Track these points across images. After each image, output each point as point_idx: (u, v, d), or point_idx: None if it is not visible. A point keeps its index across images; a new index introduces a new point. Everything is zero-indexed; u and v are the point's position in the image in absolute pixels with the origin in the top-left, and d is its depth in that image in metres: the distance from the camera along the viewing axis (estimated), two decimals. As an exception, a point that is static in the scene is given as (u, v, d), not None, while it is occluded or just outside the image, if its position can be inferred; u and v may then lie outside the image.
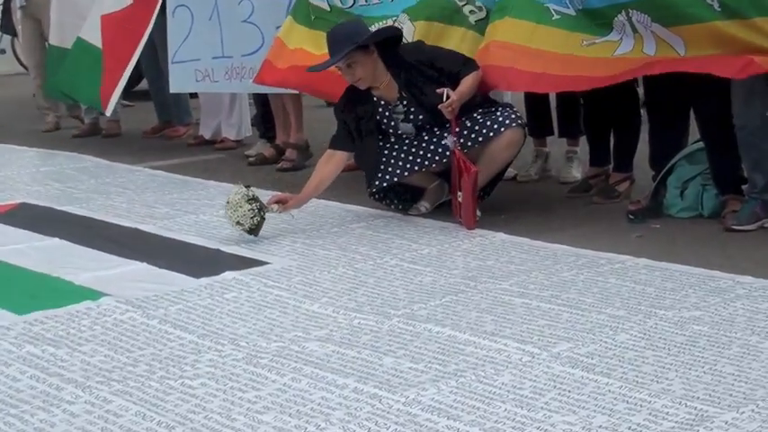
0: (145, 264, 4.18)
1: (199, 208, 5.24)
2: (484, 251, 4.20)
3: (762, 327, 3.14)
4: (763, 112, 4.27)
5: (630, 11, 4.36)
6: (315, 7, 5.58)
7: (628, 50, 4.41)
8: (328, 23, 5.36)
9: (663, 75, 4.34)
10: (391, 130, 4.77)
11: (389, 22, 5.16)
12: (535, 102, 5.55)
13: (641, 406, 2.60)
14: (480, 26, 5.00)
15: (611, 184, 5.12)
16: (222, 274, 3.97)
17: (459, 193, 4.52)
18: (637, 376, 2.79)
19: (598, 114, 5.19)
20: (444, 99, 4.49)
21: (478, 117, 4.67)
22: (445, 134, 4.62)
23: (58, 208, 5.34)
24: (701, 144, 4.70)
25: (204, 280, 3.92)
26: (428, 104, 4.62)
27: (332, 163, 4.75)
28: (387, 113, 4.75)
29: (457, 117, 4.58)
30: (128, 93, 8.24)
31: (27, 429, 2.63)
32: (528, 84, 4.83)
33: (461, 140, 4.61)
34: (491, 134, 4.63)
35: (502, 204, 4.98)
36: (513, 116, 4.66)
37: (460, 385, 2.78)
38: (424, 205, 4.88)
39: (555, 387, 2.74)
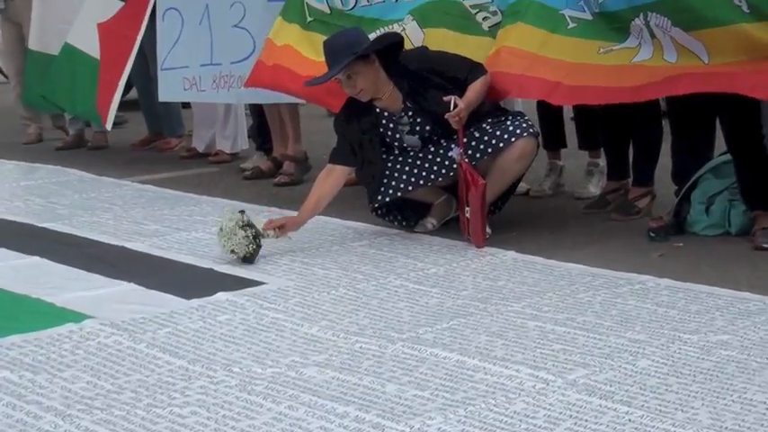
0: (132, 284, 4.17)
1: (191, 225, 5.22)
2: (494, 271, 4.17)
3: (794, 352, 3.11)
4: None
5: (649, 13, 4.34)
6: (313, 9, 5.58)
7: (647, 58, 4.39)
8: (328, 27, 5.36)
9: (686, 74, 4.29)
10: (396, 143, 4.75)
11: (395, 27, 5.15)
12: (548, 111, 5.53)
13: (664, 437, 2.56)
14: (495, 32, 4.99)
15: (630, 200, 5.10)
16: (215, 296, 3.95)
17: (467, 209, 4.50)
18: (659, 405, 2.76)
19: (616, 124, 5.17)
20: (451, 108, 4.47)
21: (487, 127, 4.65)
22: (452, 146, 4.60)
23: (39, 225, 5.33)
24: (727, 156, 4.67)
25: (195, 301, 3.90)
26: (434, 114, 4.60)
27: (331, 178, 4.73)
28: (391, 125, 4.73)
29: (464, 127, 4.55)
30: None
31: (3, 461, 2.60)
32: (542, 91, 4.80)
33: (469, 152, 4.58)
34: (501, 145, 4.61)
35: (513, 221, 4.96)
36: (525, 125, 4.64)
37: (469, 414, 2.75)
38: (430, 222, 4.86)
39: (571, 416, 2.71)
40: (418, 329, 3.46)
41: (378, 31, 5.13)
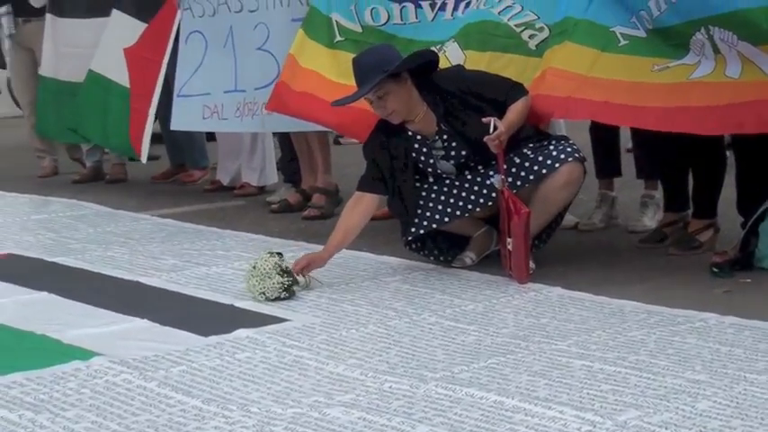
0: (145, 320, 4.14)
1: (211, 259, 5.19)
2: (538, 307, 4.11)
3: None
4: None
5: (711, 28, 4.27)
6: (344, 29, 5.58)
7: (707, 73, 4.33)
8: (358, 45, 5.35)
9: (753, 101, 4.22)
10: (429, 169, 4.70)
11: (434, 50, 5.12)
12: (602, 135, 5.46)
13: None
14: (542, 50, 4.95)
15: (690, 233, 5.01)
16: (234, 332, 3.91)
17: (509, 240, 4.43)
18: (720, 449, 2.68)
19: (674, 150, 5.08)
20: (491, 130, 4.41)
21: (528, 152, 4.58)
22: (491, 172, 4.54)
23: (49, 259, 5.33)
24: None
25: (213, 338, 3.86)
26: (471, 138, 4.55)
27: (360, 208, 4.69)
28: (424, 150, 4.68)
29: (504, 152, 4.49)
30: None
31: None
32: (589, 111, 4.75)
33: (509, 180, 4.52)
34: (544, 171, 4.54)
35: (559, 256, 4.90)
36: (570, 149, 4.57)
37: (508, 458, 2.68)
38: (469, 256, 4.79)
39: (621, 461, 2.63)
40: (453, 368, 3.40)
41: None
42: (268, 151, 7.28)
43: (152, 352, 3.71)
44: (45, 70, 7.88)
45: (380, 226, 5.67)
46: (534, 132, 4.69)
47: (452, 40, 5.21)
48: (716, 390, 3.09)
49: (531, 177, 4.56)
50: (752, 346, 3.50)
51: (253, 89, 6.27)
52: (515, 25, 5.07)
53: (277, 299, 4.36)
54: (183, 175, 7.86)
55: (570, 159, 4.55)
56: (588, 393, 3.11)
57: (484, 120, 4.45)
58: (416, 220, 4.66)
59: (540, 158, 4.56)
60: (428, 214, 4.65)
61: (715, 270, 4.50)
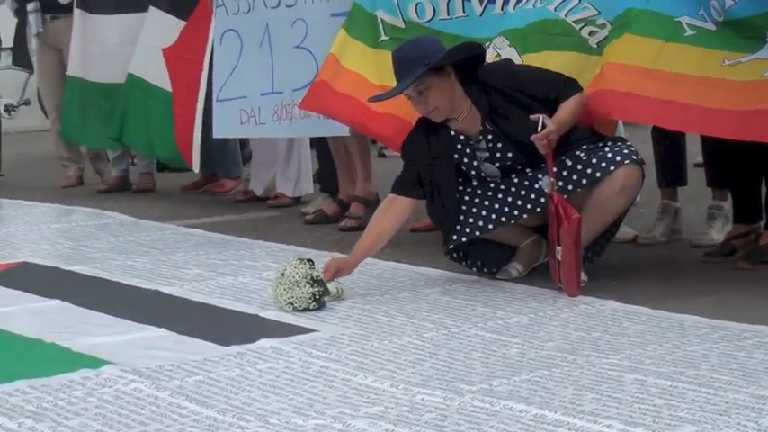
0: (163, 329, 4.11)
1: (238, 269, 5.16)
2: (588, 321, 4.03)
3: None
4: None
5: None
6: (389, 26, 5.53)
7: None
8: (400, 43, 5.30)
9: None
10: (473, 172, 4.63)
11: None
12: (664, 138, 5.36)
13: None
14: (603, 48, 4.88)
15: (762, 246, 4.91)
16: (257, 342, 3.86)
17: (558, 249, 4.34)
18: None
19: (746, 156, 4.97)
20: (539, 129, 4.32)
21: (581, 154, 4.49)
22: (539, 175, 4.44)
23: (66, 268, 5.32)
24: None
25: (234, 348, 3.81)
26: (518, 139, 4.46)
27: (393, 212, 4.63)
28: (467, 151, 4.61)
29: (554, 153, 4.40)
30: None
31: None
32: (651, 114, 4.66)
33: (560, 183, 4.43)
34: (598, 174, 4.44)
35: (615, 269, 4.83)
36: (627, 151, 4.47)
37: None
38: (515, 268, 4.71)
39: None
40: (492, 381, 3.32)
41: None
42: (304, 160, 7.23)
43: (167, 361, 3.67)
44: (72, 70, 7.91)
45: (423, 238, 5.62)
46: (589, 133, 4.60)
47: (507, 41, 5.15)
48: (783, 406, 3.00)
49: (584, 181, 4.47)
50: (827, 362, 3.40)
51: (291, 90, 6.23)
52: (574, 21, 5.00)
53: (306, 309, 4.30)
54: (214, 185, 7.83)
55: (627, 162, 4.45)
56: (640, 408, 3.02)
57: (532, 117, 4.36)
58: (458, 227, 4.58)
59: (594, 161, 4.46)
60: (471, 221, 4.57)
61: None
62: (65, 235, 6.28)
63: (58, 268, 5.33)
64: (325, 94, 5.56)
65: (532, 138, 4.32)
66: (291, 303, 4.31)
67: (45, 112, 10.60)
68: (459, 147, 4.62)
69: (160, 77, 7.23)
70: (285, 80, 6.29)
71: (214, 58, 6.82)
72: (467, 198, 4.61)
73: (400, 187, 4.65)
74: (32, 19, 8.23)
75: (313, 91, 5.63)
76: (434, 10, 5.46)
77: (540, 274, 4.66)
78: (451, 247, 4.67)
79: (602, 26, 4.94)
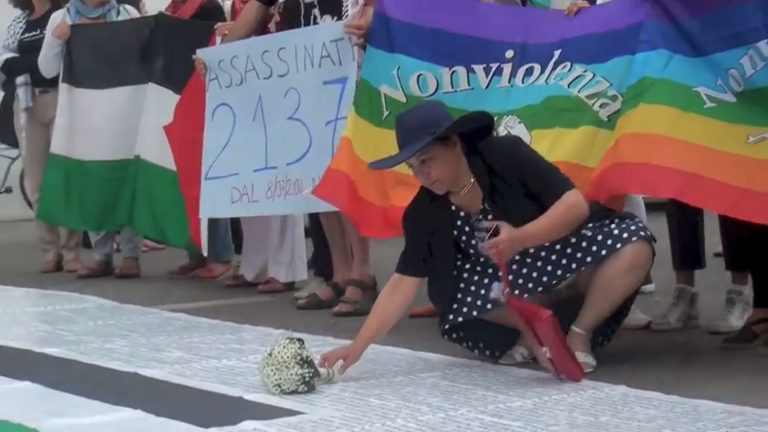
0: (139, 411, 4.07)
1: (224, 353, 5.14)
2: (596, 405, 4.00)
3: None
4: None
5: None
6: (391, 101, 5.57)
7: None
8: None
9: None
10: (471, 250, 4.62)
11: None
12: (681, 216, 5.35)
13: None
14: (615, 121, 4.93)
15: (784, 331, 4.89)
16: (240, 425, 3.84)
17: (545, 350, 4.32)
18: None
19: (766, 238, 4.95)
20: (489, 236, 4.37)
21: (586, 232, 4.49)
22: (542, 253, 4.42)
23: (38, 350, 5.29)
24: None
25: (214, 430, 3.78)
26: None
27: (399, 293, 4.62)
28: (466, 229, 4.61)
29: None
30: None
31: None
32: (672, 187, 4.65)
33: (563, 262, 4.45)
34: (604, 252, 4.44)
35: (626, 354, 4.82)
36: (634, 227, 4.47)
37: None
38: (519, 352, 4.68)
39: None
40: (490, 463, 3.29)
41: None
42: (298, 243, 7.22)
43: (141, 443, 3.64)
44: (55, 147, 7.91)
45: (423, 323, 5.59)
46: (597, 209, 4.59)
47: (516, 118, 5.19)
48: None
49: (589, 259, 4.46)
50: None
51: (285, 165, 6.28)
52: (586, 96, 5.05)
53: (294, 392, 4.27)
54: (203, 269, 7.83)
55: (635, 239, 4.44)
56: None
57: (486, 223, 4.42)
58: (455, 306, 4.58)
59: (600, 237, 4.46)
60: (468, 299, 4.57)
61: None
62: (40, 318, 6.28)
63: (30, 351, 5.30)
64: (340, 188, 5.60)
65: (480, 246, 4.35)
66: (279, 385, 4.28)
67: (28, 201, 10.62)
68: (459, 223, 4.62)
69: (164, 157, 7.28)
70: (279, 154, 6.33)
71: (205, 133, 6.86)
72: (465, 275, 4.61)
73: (405, 266, 4.64)
74: (21, 93, 8.27)
75: (327, 179, 5.64)
76: (438, 82, 5.51)
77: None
78: (447, 326, 4.65)
79: (614, 98, 4.99)
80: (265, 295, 7.02)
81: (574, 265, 4.47)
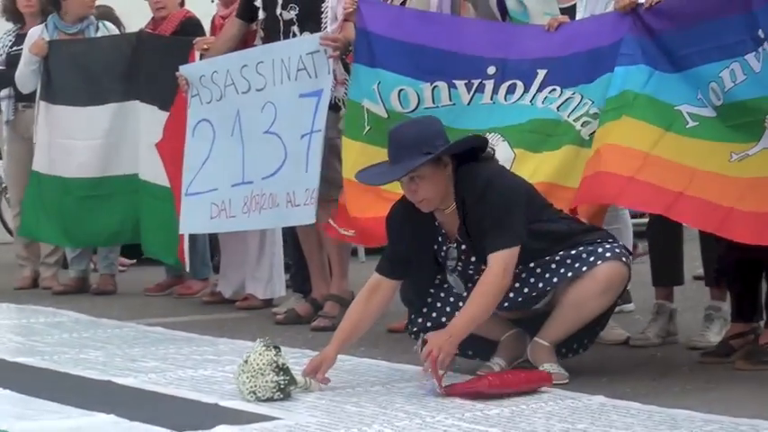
0: (112, 415, 4.03)
1: (200, 363, 5.11)
2: (574, 414, 3.99)
3: None
4: None
5: None
6: (372, 115, 5.56)
7: None
8: (384, 136, 5.31)
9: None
10: (447, 269, 4.62)
11: None
12: (662, 232, 5.34)
13: None
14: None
15: (762, 346, 4.88)
16: (214, 429, 3.79)
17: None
18: None
19: (743, 254, 4.95)
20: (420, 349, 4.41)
21: (562, 252, 4.49)
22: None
23: (11, 360, 5.25)
24: None
25: (187, 434, 3.74)
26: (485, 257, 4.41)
27: (377, 297, 4.59)
28: (443, 250, 4.59)
29: (534, 259, 4.44)
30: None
31: None
32: (660, 204, 4.65)
33: (546, 275, 4.46)
34: (584, 269, 4.44)
35: (605, 367, 4.83)
36: (609, 245, 4.49)
37: None
38: (497, 363, 4.66)
39: None
40: (466, 468, 3.27)
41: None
42: (277, 260, 7.21)
43: (112, 446, 3.61)
44: (37, 164, 7.86)
45: (401, 338, 5.56)
46: (578, 228, 4.59)
47: (499, 136, 5.18)
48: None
49: (570, 275, 4.46)
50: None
51: (260, 179, 6.27)
52: (574, 120, 5.06)
53: (270, 399, 4.24)
54: (181, 286, 7.79)
55: (610, 257, 4.45)
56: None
57: (415, 348, 4.51)
58: (425, 310, 4.61)
59: (573, 252, 4.47)
60: (438, 305, 4.60)
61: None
62: (13, 330, 6.25)
63: (2, 360, 5.25)
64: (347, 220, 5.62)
65: (420, 354, 4.37)
66: (254, 392, 4.25)
67: (5, 226, 10.53)
68: (439, 239, 4.60)
69: (156, 173, 7.26)
70: (255, 169, 6.33)
71: (185, 150, 6.84)
72: (437, 282, 4.63)
73: (386, 268, 4.60)
74: (4, 106, 8.26)
75: (341, 215, 5.68)
76: (419, 98, 5.49)
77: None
78: (416, 329, 4.66)
79: (595, 116, 4.99)
80: (243, 311, 7.00)
81: (555, 279, 4.48)
